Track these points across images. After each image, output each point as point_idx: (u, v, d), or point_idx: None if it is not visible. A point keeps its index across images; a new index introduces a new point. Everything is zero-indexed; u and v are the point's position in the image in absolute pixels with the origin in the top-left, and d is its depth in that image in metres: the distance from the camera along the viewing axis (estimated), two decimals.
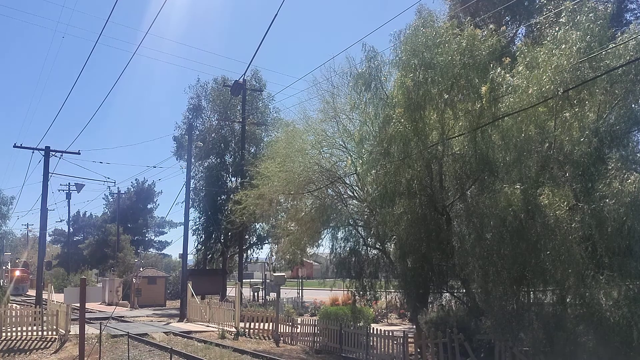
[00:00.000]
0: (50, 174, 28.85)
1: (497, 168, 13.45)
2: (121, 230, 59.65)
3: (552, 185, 12.16)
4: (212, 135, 36.57)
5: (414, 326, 18.44)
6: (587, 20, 12.52)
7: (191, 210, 33.74)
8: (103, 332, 16.83)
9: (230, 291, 32.28)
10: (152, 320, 27.45)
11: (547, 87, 12.14)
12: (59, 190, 60.68)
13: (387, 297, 28.15)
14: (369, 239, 19.83)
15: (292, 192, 19.84)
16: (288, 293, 35.01)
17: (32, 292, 29.71)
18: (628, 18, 21.11)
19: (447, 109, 14.59)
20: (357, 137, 17.80)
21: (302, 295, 34.63)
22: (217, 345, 17.91)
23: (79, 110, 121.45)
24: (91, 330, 18.90)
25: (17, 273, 55.75)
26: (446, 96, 14.30)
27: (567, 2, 13.20)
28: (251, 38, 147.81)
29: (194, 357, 15.89)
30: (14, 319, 19.40)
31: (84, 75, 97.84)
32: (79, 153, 29.44)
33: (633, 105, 12.58)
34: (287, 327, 20.51)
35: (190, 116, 37.53)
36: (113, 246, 59.58)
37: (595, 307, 11.34)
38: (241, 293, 24.44)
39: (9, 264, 57.18)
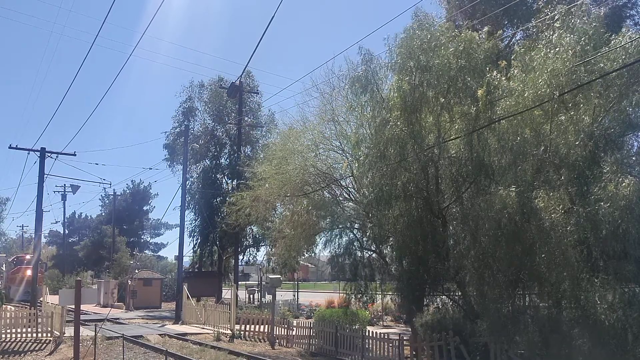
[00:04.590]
0: (45, 176, 28.74)
1: (493, 171, 13.49)
2: (117, 232, 59.46)
3: (548, 188, 12.20)
4: (207, 137, 36.44)
5: (410, 329, 18.45)
6: (581, 24, 12.58)
7: (187, 212, 33.66)
8: (98, 334, 16.77)
9: (226, 293, 32.23)
10: (147, 322, 27.37)
11: (543, 90, 12.18)
12: (54, 191, 60.41)
13: (383, 299, 28.14)
14: (364, 241, 19.84)
15: (288, 195, 19.85)
16: (284, 295, 34.97)
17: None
18: (627, 24, 21.12)
19: (444, 111, 14.63)
20: (353, 140, 17.83)
21: (297, 298, 34.61)
22: (213, 347, 17.87)
23: (75, 112, 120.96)
24: (86, 332, 18.81)
25: (29, 272, 40.48)
26: (442, 99, 14.34)
27: (563, 5, 13.27)
28: (248, 40, 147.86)
29: (189, 359, 15.88)
30: (8, 320, 19.30)
31: (80, 77, 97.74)
32: (74, 154, 29.31)
33: (628, 109, 12.62)
34: (283, 329, 20.48)
35: (182, 119, 37.16)
36: (109, 248, 59.40)
37: (591, 310, 11.35)
38: (237, 295, 24.40)
39: (4, 265, 54.45)
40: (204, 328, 23.18)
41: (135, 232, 72.67)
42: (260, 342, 20.34)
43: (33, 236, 39.91)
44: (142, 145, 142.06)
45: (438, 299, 18.15)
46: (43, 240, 56.71)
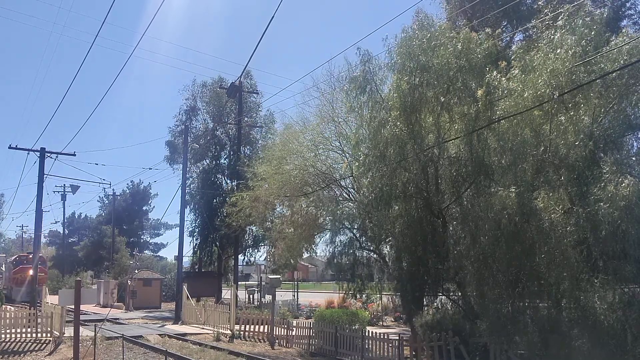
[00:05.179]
0: (45, 176, 28.74)
1: (493, 171, 13.49)
2: (116, 232, 59.39)
3: (547, 188, 12.20)
4: (207, 137, 36.50)
5: (410, 329, 18.46)
6: (583, 25, 12.58)
7: (187, 212, 33.69)
8: (98, 334, 16.76)
9: (226, 293, 32.25)
10: (147, 323, 27.36)
11: (543, 90, 12.19)
12: (54, 191, 60.41)
13: (383, 299, 28.17)
14: (364, 242, 19.84)
15: (287, 195, 19.85)
16: (283, 295, 34.97)
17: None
18: (625, 24, 21.16)
19: (443, 112, 14.63)
20: (353, 140, 17.83)
21: (297, 298, 34.62)
22: (212, 347, 17.88)
23: (75, 112, 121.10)
24: (86, 332, 18.81)
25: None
26: (442, 99, 14.34)
27: (565, 5, 13.27)
28: (248, 40, 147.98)
29: (189, 359, 15.86)
30: (8, 320, 19.29)
31: (80, 77, 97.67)
32: (74, 154, 29.30)
33: (627, 109, 12.63)
34: (283, 329, 20.48)
35: (184, 118, 37.33)
36: (108, 248, 59.37)
37: (590, 310, 11.35)
38: (236, 295, 24.40)
39: (3, 265, 53.87)
40: (203, 328, 23.17)
41: (135, 232, 72.62)
42: (260, 342, 20.34)
43: (32, 236, 39.66)
44: (142, 145, 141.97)
45: (438, 299, 18.16)
46: (43, 240, 56.55)
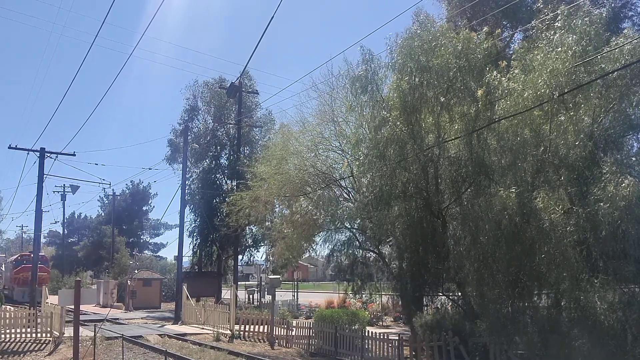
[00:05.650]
0: (45, 176, 28.76)
1: (493, 171, 13.49)
2: (116, 232, 59.33)
3: (547, 188, 12.19)
4: (208, 137, 36.49)
5: (410, 329, 18.45)
6: (582, 24, 12.58)
7: (186, 212, 33.66)
8: (97, 335, 16.75)
9: (226, 293, 32.20)
10: (147, 323, 27.35)
11: (543, 90, 12.18)
12: (54, 191, 60.48)
13: (383, 299, 28.14)
14: (364, 241, 19.82)
15: (287, 195, 19.83)
16: (283, 295, 34.96)
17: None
18: (626, 25, 21.12)
19: (443, 112, 14.63)
20: (353, 140, 17.82)
21: (297, 298, 34.60)
22: (212, 347, 17.86)
23: (75, 112, 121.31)
24: (85, 332, 18.79)
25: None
26: (442, 99, 14.34)
27: (563, 6, 13.29)
28: (248, 39, 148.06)
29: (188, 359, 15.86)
30: (7, 320, 19.28)
31: (80, 77, 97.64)
32: (74, 154, 29.32)
33: (628, 110, 12.62)
34: (282, 329, 20.47)
35: (187, 117, 37.44)
36: (108, 248, 59.34)
37: (590, 310, 11.35)
38: (236, 295, 24.38)
39: (3, 265, 53.73)
40: (203, 328, 23.16)
41: (135, 232, 72.57)
42: (260, 342, 20.33)
43: (32, 236, 39.79)
44: (142, 145, 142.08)
45: (438, 299, 18.15)
46: (42, 240, 56.54)
